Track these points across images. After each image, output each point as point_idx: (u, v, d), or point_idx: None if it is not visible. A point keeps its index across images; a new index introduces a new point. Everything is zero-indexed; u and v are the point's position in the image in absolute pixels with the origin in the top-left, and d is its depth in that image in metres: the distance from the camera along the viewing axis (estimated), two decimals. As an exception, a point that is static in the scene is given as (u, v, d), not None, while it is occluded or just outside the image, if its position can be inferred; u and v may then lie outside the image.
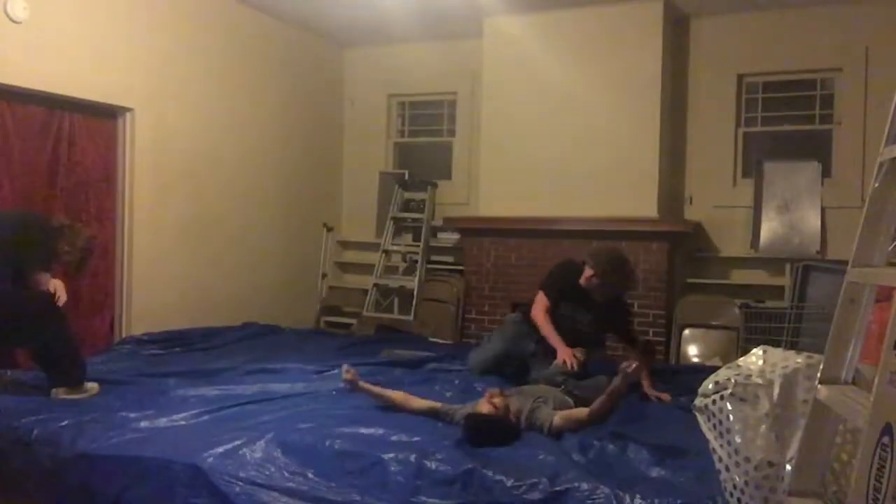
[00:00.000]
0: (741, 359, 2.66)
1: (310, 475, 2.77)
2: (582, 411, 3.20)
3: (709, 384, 2.61)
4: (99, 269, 4.76)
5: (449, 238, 6.38)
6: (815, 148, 5.53)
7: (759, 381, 2.47)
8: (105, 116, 4.78)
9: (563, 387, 3.60)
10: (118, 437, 3.07)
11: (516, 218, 5.74)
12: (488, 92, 5.96)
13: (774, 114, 5.68)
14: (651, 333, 5.40)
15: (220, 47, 5.52)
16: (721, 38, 5.69)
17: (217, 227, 5.51)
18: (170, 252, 5.11)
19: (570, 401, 3.41)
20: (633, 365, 3.12)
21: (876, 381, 1.54)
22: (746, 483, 2.33)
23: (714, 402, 2.54)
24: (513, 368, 4.20)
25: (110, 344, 4.80)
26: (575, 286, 4.17)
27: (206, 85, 5.40)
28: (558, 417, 3.18)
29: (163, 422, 3.24)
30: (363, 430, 3.00)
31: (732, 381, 2.50)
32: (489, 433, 2.99)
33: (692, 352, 5.45)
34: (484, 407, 3.16)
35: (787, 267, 5.33)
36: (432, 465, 2.71)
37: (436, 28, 6.17)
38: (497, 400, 3.18)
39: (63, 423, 3.16)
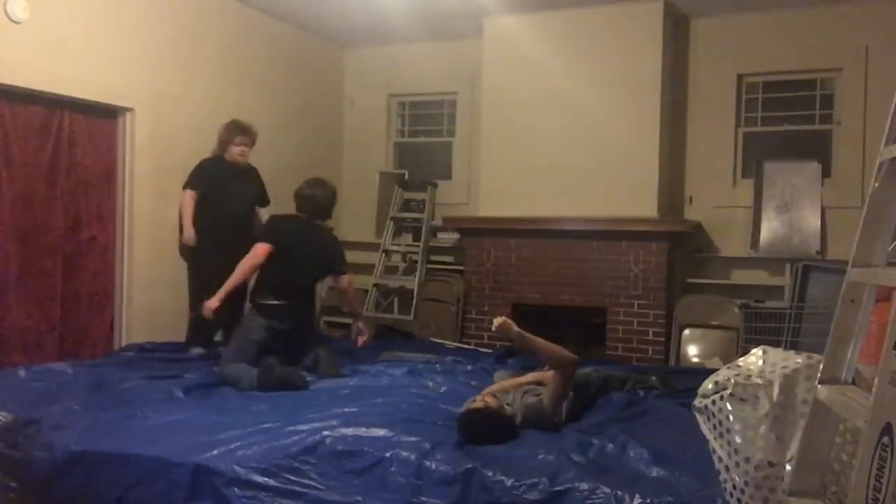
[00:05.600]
0: (741, 359, 2.66)
1: (310, 476, 2.77)
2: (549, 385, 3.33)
3: (709, 384, 2.61)
4: (99, 269, 4.76)
5: (449, 238, 6.37)
6: (815, 148, 5.52)
7: (759, 381, 2.47)
8: (105, 116, 4.78)
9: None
10: (119, 437, 3.07)
11: (516, 218, 5.74)
12: (488, 92, 5.96)
13: (774, 114, 5.67)
14: (651, 333, 5.40)
15: (220, 47, 5.52)
16: (721, 38, 5.69)
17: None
18: (170, 252, 5.10)
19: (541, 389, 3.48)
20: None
21: (876, 381, 1.54)
22: (746, 483, 2.33)
23: (714, 402, 2.54)
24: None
25: (111, 344, 4.80)
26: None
27: (206, 85, 5.39)
28: (545, 397, 3.28)
29: (164, 422, 3.25)
30: (363, 431, 3.00)
31: (732, 381, 2.51)
32: (484, 426, 3.01)
33: (692, 352, 5.45)
34: (476, 403, 3.19)
35: (787, 267, 5.33)
36: (432, 465, 2.71)
37: (436, 28, 6.16)
38: (490, 399, 3.22)
39: (64, 423, 3.17)
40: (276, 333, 4.35)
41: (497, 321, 3.33)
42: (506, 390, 3.51)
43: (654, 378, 4.03)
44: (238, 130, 5.09)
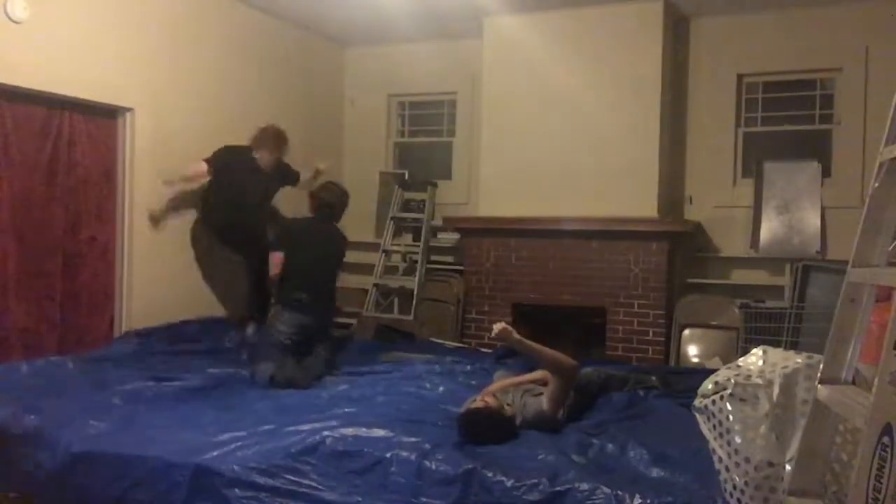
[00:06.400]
0: (741, 359, 2.67)
1: (311, 476, 2.77)
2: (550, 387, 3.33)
3: (708, 384, 2.61)
4: (99, 269, 4.76)
5: (449, 238, 6.37)
6: (815, 148, 5.52)
7: (759, 381, 2.47)
8: (105, 116, 4.78)
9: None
10: (119, 437, 3.07)
11: (516, 218, 5.74)
12: (488, 92, 5.96)
13: (774, 114, 5.67)
14: (651, 333, 5.40)
15: (220, 47, 5.51)
16: (721, 38, 5.69)
17: (217, 227, 5.49)
18: (170, 251, 5.10)
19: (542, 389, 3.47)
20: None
21: (876, 381, 1.54)
22: (746, 483, 2.33)
23: (714, 402, 2.54)
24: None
25: (110, 344, 4.79)
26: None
27: (207, 85, 5.39)
28: (545, 400, 3.27)
29: (164, 423, 3.24)
30: (363, 431, 3.00)
31: (732, 381, 2.51)
32: (484, 426, 3.01)
33: (692, 352, 5.45)
34: (476, 403, 3.18)
35: (787, 267, 5.33)
36: (432, 465, 2.71)
37: (436, 28, 6.16)
38: (490, 399, 3.21)
39: (64, 423, 3.17)
40: (300, 328, 4.51)
41: (497, 327, 3.28)
42: (506, 390, 3.51)
43: (653, 378, 4.03)
44: (277, 146, 5.15)
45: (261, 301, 5.15)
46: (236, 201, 5.05)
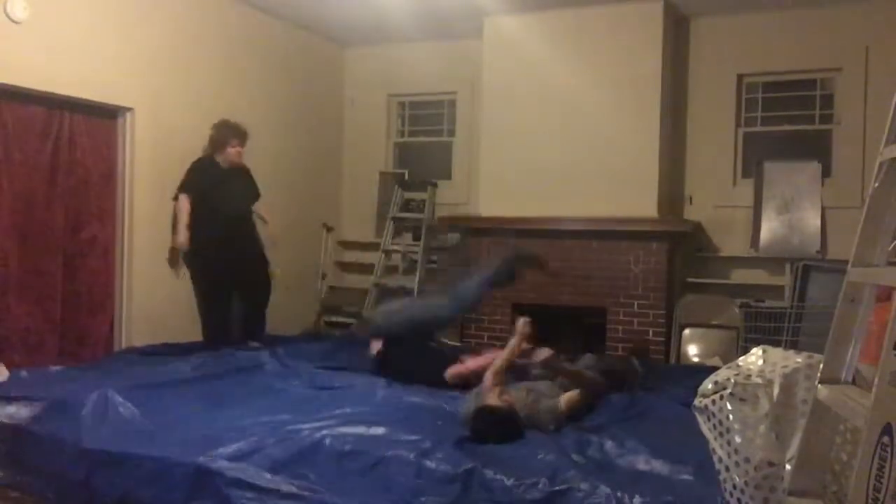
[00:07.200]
0: (741, 359, 2.66)
1: (311, 476, 2.77)
2: (574, 393, 3.40)
3: (708, 384, 2.61)
4: (99, 269, 4.76)
5: (449, 238, 6.37)
6: (815, 148, 5.52)
7: (759, 380, 2.47)
8: (105, 116, 4.78)
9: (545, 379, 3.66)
10: (120, 437, 3.07)
11: (516, 218, 5.74)
12: (488, 92, 5.96)
13: (774, 114, 5.67)
14: (651, 333, 5.40)
15: (219, 47, 5.52)
16: (721, 38, 5.69)
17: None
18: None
19: (558, 389, 3.50)
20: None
21: (876, 381, 1.54)
22: (746, 483, 2.33)
23: (714, 402, 2.54)
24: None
25: (110, 344, 4.80)
26: None
27: (206, 85, 5.39)
28: (563, 402, 3.29)
29: (165, 423, 3.24)
30: (364, 430, 3.00)
31: (732, 381, 2.51)
32: (500, 427, 3.01)
33: (692, 352, 5.45)
34: (493, 400, 3.16)
35: (787, 267, 5.33)
36: (432, 464, 2.71)
37: (436, 28, 6.16)
38: (506, 396, 3.21)
39: (65, 423, 3.17)
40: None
41: (521, 322, 3.55)
42: (502, 378, 3.46)
43: (636, 362, 4.11)
44: (233, 133, 5.05)
45: (250, 328, 5.15)
46: (227, 215, 4.96)
